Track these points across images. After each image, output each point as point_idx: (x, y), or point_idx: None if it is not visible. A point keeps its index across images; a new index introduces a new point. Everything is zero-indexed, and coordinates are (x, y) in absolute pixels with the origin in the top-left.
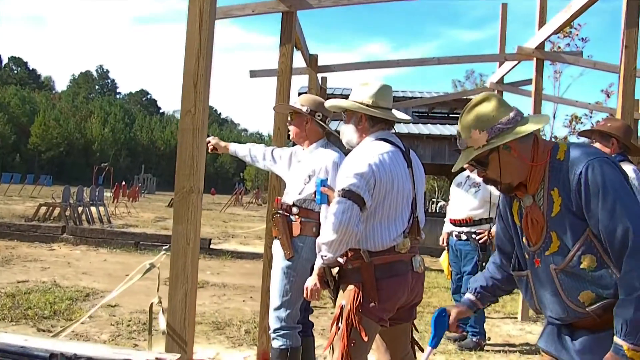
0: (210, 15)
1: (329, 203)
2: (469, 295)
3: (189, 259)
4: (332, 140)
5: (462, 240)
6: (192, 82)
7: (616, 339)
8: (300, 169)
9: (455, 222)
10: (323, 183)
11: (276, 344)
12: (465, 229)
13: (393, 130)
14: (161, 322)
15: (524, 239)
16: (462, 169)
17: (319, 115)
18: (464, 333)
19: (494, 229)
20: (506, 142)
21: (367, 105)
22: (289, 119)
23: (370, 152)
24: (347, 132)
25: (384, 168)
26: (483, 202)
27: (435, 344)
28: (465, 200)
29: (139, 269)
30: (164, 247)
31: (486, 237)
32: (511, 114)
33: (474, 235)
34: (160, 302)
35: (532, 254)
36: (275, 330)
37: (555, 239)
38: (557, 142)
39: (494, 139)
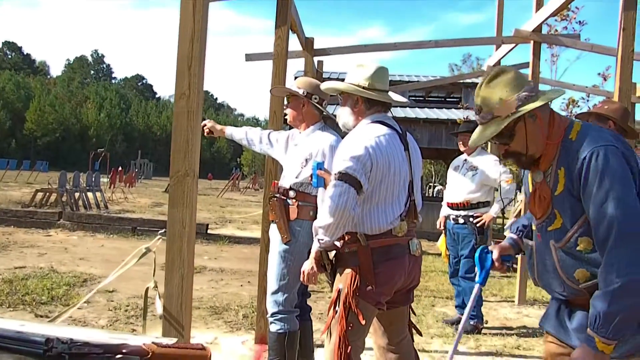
0: None
1: (325, 186)
2: (511, 235)
3: (184, 243)
4: (329, 123)
5: (460, 223)
6: (187, 64)
7: (589, 331)
8: (297, 152)
9: (452, 206)
10: (319, 166)
11: (274, 328)
12: (462, 213)
13: (390, 114)
14: (158, 307)
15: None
16: (460, 152)
17: (315, 98)
18: (461, 316)
19: (492, 212)
20: (534, 109)
21: (363, 88)
22: (286, 102)
23: (366, 134)
24: (343, 115)
25: (381, 151)
26: (480, 185)
27: (483, 280)
28: (463, 183)
29: (134, 253)
30: (159, 232)
31: (484, 221)
32: (531, 84)
33: (471, 219)
34: (156, 287)
35: (536, 228)
36: (272, 315)
37: (558, 217)
38: (572, 120)
39: (522, 107)
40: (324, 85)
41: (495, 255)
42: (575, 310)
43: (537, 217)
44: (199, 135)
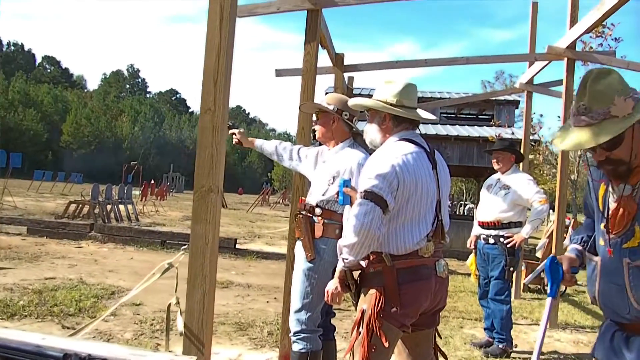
0: (231, 12)
1: (351, 204)
2: (575, 246)
3: (207, 259)
4: (359, 140)
5: (490, 243)
6: (212, 79)
7: None
8: (324, 169)
9: (483, 225)
10: (346, 184)
11: (296, 347)
12: (493, 232)
13: (418, 131)
14: (179, 324)
15: (602, 225)
16: (492, 171)
17: (345, 115)
18: (490, 339)
19: (523, 233)
20: None
21: (391, 105)
22: (315, 118)
23: (393, 152)
24: (371, 132)
25: (408, 169)
26: (512, 205)
27: (554, 293)
28: (494, 202)
29: (157, 268)
30: (182, 247)
31: (514, 241)
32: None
33: (501, 239)
34: (178, 303)
35: (607, 242)
36: (295, 334)
37: (638, 234)
38: None
39: (637, 108)
40: (352, 102)
41: (565, 266)
42: (633, 337)
43: (613, 232)
44: (224, 151)
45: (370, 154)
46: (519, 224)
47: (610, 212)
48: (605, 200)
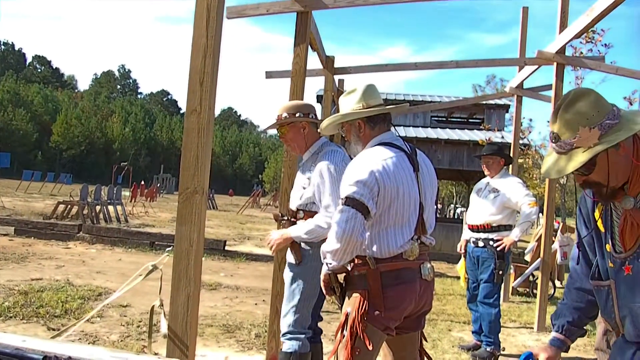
0: (218, 12)
1: None
2: (556, 335)
3: (192, 261)
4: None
5: (479, 247)
6: (198, 79)
7: None
8: (299, 174)
9: (473, 228)
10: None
11: (284, 347)
12: (482, 235)
13: (396, 132)
14: (162, 326)
15: (607, 246)
16: (482, 174)
17: (312, 116)
18: (478, 343)
19: (512, 236)
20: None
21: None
22: (282, 136)
23: (372, 158)
24: (353, 146)
25: (388, 175)
26: (502, 207)
27: None
28: (483, 205)
29: (140, 270)
30: (167, 249)
31: (504, 245)
32: (614, 109)
33: (491, 242)
34: (162, 305)
35: (621, 261)
36: (283, 335)
37: None
38: None
39: (606, 137)
40: (323, 126)
41: None
42: None
43: (626, 248)
44: (209, 152)
45: (345, 150)
46: (509, 227)
47: (619, 230)
48: (605, 220)
